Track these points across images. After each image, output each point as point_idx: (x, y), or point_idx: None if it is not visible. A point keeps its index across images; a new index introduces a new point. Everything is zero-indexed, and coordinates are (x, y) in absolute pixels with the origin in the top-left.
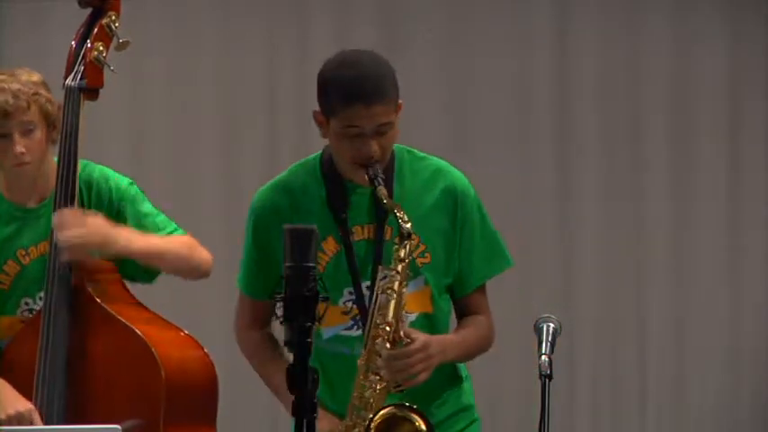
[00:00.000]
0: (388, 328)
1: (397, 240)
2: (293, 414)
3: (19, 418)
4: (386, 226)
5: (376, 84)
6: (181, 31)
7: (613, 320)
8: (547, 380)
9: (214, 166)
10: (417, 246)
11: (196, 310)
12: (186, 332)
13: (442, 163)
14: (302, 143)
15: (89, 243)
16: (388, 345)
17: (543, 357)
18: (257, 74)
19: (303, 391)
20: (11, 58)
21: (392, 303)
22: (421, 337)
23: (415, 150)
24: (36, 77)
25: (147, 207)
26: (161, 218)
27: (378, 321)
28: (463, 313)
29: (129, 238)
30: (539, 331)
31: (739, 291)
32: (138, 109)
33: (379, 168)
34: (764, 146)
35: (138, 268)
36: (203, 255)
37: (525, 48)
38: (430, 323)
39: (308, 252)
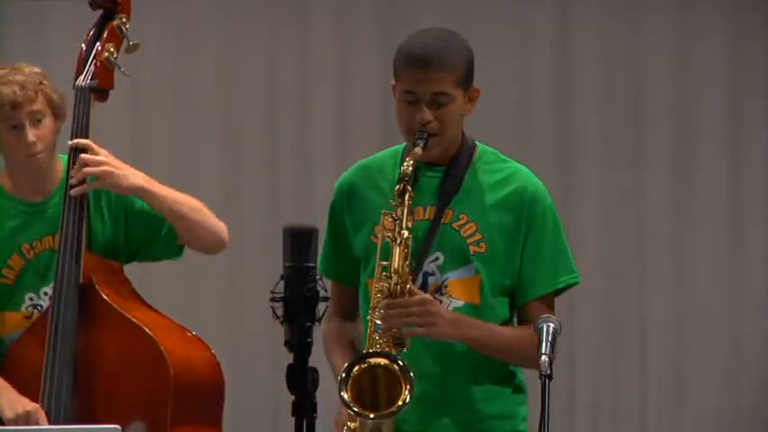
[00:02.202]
0: (392, 278)
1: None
2: (293, 414)
3: (26, 418)
4: (446, 209)
5: (436, 51)
6: (181, 31)
7: (613, 320)
8: (547, 380)
9: (214, 166)
10: (474, 233)
11: (195, 311)
12: (193, 333)
13: (524, 168)
14: (302, 143)
15: (109, 173)
16: (389, 297)
17: (543, 357)
18: (257, 74)
19: (303, 391)
20: (11, 58)
21: (397, 251)
22: (426, 294)
23: (501, 153)
24: (38, 69)
25: None
26: None
27: (383, 273)
28: (523, 322)
29: (149, 180)
30: (539, 331)
31: (739, 291)
32: (138, 109)
33: (434, 142)
34: (764, 146)
35: (166, 244)
36: (218, 221)
37: (526, 47)
38: (474, 316)
39: (308, 252)
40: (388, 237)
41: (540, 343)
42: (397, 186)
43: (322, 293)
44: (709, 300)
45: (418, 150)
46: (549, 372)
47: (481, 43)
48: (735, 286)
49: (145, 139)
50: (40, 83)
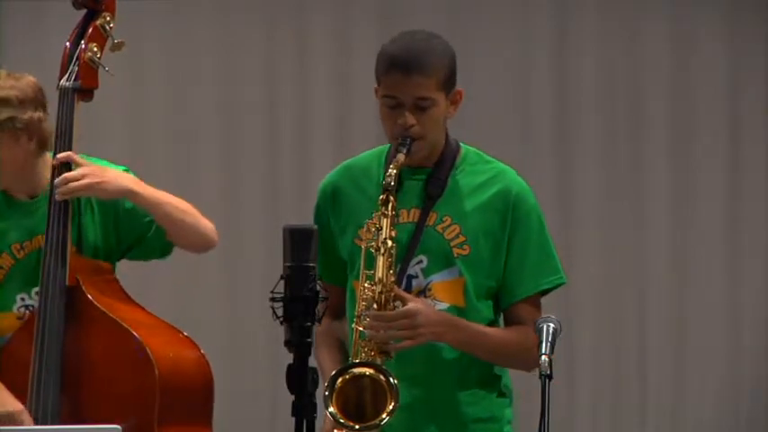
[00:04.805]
0: (377, 288)
1: (381, 198)
2: (293, 414)
3: (9, 417)
4: (431, 212)
5: (418, 55)
6: (180, 31)
7: (613, 320)
8: (547, 380)
9: (214, 167)
10: (457, 235)
11: (195, 311)
12: (183, 333)
13: (507, 169)
14: (302, 143)
15: (91, 185)
16: (375, 306)
17: (543, 357)
18: (257, 74)
19: (303, 391)
20: (9, 57)
21: (380, 260)
22: (411, 303)
23: (485, 153)
24: (5, 92)
25: None
26: None
27: (367, 281)
28: (509, 324)
29: (137, 182)
30: (539, 331)
31: (739, 291)
32: (137, 109)
33: (417, 147)
34: (764, 146)
35: (155, 243)
36: (207, 222)
37: (525, 48)
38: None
39: (308, 252)
40: (372, 246)
41: (540, 343)
42: (381, 196)
43: (322, 293)
44: (709, 300)
45: (401, 157)
46: (549, 372)
47: (481, 43)
48: (735, 286)
49: (144, 139)
50: None
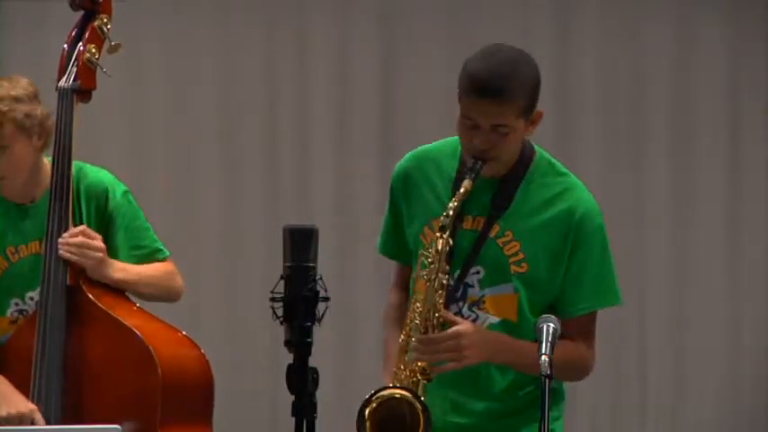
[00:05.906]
0: (422, 314)
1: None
2: (293, 414)
3: (20, 418)
4: (495, 223)
5: (498, 82)
6: (180, 31)
7: (613, 320)
8: (547, 380)
9: (214, 167)
10: (516, 253)
11: (195, 311)
12: (182, 332)
13: (578, 184)
14: (302, 143)
15: (86, 259)
16: (422, 329)
17: (543, 357)
18: (256, 74)
19: (303, 391)
20: (10, 57)
21: (427, 291)
22: (460, 325)
23: (559, 164)
24: (16, 90)
25: (137, 222)
26: (148, 234)
27: (417, 306)
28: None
29: (123, 269)
30: (539, 331)
31: (739, 291)
32: (137, 109)
33: (489, 167)
34: (764, 146)
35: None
36: (176, 284)
37: (525, 47)
38: (511, 333)
39: (308, 252)
40: (424, 276)
41: (540, 343)
42: (437, 233)
43: (322, 293)
44: (709, 300)
45: (468, 184)
46: (549, 372)
47: (481, 43)
48: (735, 286)
49: (144, 139)
50: (10, 110)
